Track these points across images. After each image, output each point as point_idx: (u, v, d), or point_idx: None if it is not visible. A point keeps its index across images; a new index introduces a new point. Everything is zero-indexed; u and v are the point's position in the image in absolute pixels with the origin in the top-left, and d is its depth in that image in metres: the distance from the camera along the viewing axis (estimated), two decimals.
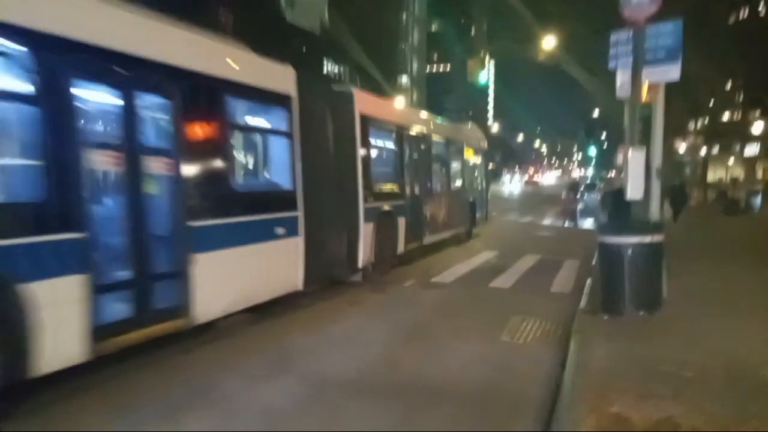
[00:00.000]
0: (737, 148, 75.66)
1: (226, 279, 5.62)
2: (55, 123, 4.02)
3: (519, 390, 4.79)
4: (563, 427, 3.84)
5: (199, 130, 5.40)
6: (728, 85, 60.47)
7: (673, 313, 6.51)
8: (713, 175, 63.02)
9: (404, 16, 70.47)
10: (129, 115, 4.75)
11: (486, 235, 16.95)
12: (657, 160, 7.67)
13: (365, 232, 8.53)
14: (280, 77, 6.77)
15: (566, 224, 21.08)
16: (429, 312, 7.39)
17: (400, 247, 10.03)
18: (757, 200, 25.07)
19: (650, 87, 7.66)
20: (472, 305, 7.80)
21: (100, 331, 4.41)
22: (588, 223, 19.40)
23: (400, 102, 13.69)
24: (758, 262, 11.05)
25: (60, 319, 4.03)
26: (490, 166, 16.27)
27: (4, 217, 3.73)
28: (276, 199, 6.62)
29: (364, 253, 8.52)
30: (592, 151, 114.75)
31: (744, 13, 56.85)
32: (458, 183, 13.89)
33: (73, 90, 4.19)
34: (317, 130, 7.36)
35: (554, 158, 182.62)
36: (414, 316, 7.12)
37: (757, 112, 47.09)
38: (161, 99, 5.08)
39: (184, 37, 5.39)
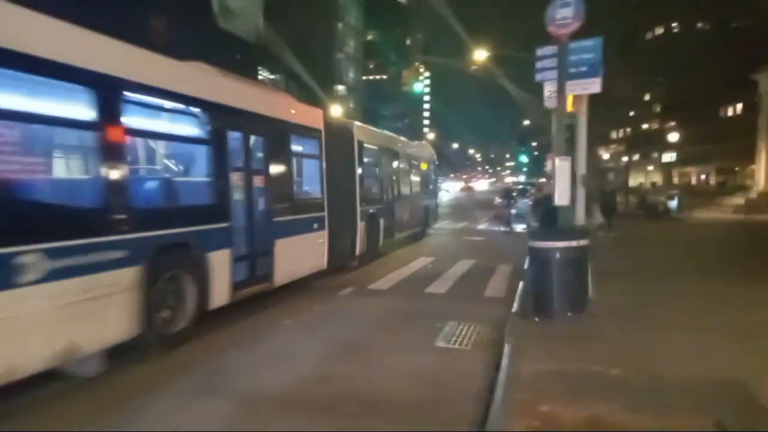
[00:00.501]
0: (656, 155, 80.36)
1: (288, 257, 8.19)
2: (220, 156, 6.69)
3: (454, 395, 4.85)
4: (496, 429, 3.91)
5: (277, 157, 8.12)
6: (647, 97, 63.99)
7: (599, 314, 6.79)
8: (634, 180, 66.48)
9: (340, 26, 70.60)
10: (246, 149, 7.38)
11: (423, 241, 17.15)
12: (582, 168, 8.00)
13: (360, 228, 11.49)
14: (316, 117, 9.57)
15: (501, 229, 21.63)
16: (365, 321, 7.38)
17: (380, 241, 12.93)
18: (673, 203, 26.50)
19: (574, 98, 7.99)
20: (408, 312, 7.86)
21: (234, 286, 6.94)
22: (520, 228, 19.96)
23: (337, 110, 15.89)
24: (676, 264, 11.71)
25: (220, 276, 6.60)
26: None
27: (199, 213, 6.39)
28: (314, 203, 9.37)
29: (360, 245, 11.43)
30: (524, 158, 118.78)
31: (660, 30, 60.46)
32: (417, 191, 17.03)
33: (224, 135, 6.76)
34: (332, 153, 9.91)
35: (487, 165, 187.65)
36: (350, 326, 7.08)
37: (672, 123, 49.95)
38: (261, 138, 7.75)
39: (269, 95, 8.43)
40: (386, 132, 15.09)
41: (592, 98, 8.22)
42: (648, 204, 27.65)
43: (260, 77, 50.03)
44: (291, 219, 8.36)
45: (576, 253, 6.53)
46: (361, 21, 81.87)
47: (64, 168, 5.50)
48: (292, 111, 8.67)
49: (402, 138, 16.59)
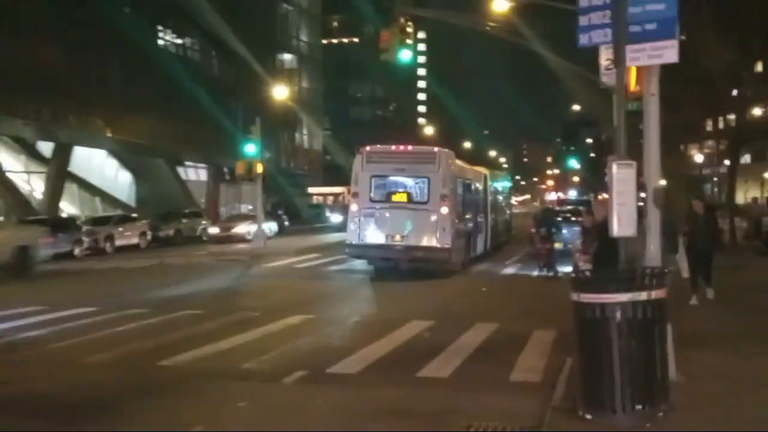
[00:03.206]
0: None
1: (491, 238, 31.50)
2: (481, 199, 29.73)
3: None
4: None
5: (490, 199, 31.63)
6: (759, 67, 64.87)
7: (686, 406, 6.82)
8: (743, 194, 67.26)
9: None
10: (494, 194, 33.37)
11: (415, 295, 17.18)
12: (654, 177, 8.06)
13: (489, 233, 30.01)
14: (484, 173, 31.83)
15: (537, 274, 21.69)
16: (321, 428, 7.30)
17: (493, 243, 30.93)
18: None
19: (640, 72, 8.12)
20: (391, 410, 7.79)
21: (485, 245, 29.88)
22: (567, 271, 20.06)
23: (281, 92, 16.91)
24: None
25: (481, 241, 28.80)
26: None
27: (477, 219, 28.25)
28: (481, 217, 29.23)
29: (489, 243, 30.10)
30: (574, 163, 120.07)
31: None
32: (505, 209, 37.56)
33: (490, 190, 32.21)
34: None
35: (517, 176, 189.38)
36: None
37: None
38: (485, 191, 30.68)
39: (476, 170, 30.60)
40: (496, 171, 39.45)
41: (673, 72, 8.34)
42: (766, 232, 28.00)
43: (161, 43, 50.34)
44: (485, 221, 29.15)
45: (648, 311, 6.55)
46: None
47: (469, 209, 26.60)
48: (486, 175, 31.57)
49: (498, 171, 41.82)
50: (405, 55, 23.75)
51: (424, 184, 22.13)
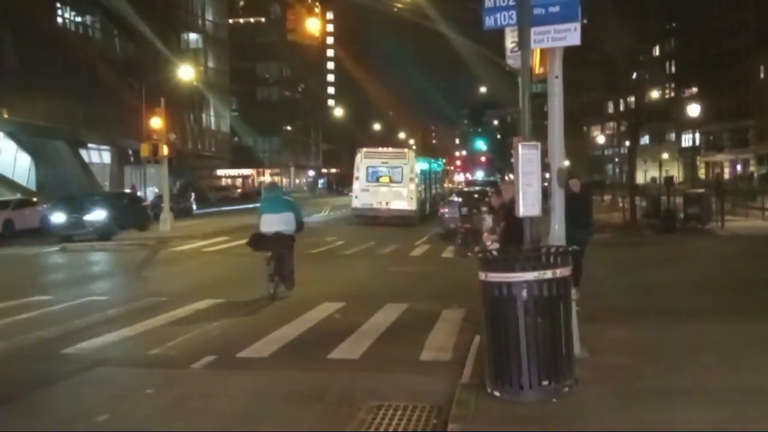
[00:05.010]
0: (672, 136, 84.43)
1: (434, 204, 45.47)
2: (431, 178, 47.19)
3: None
4: None
5: (430, 176, 47.26)
6: (656, 51, 66.83)
7: (589, 380, 7.02)
8: (644, 174, 69.59)
9: None
10: (433, 175, 49.24)
11: (326, 277, 17.17)
12: (558, 158, 8.22)
13: (430, 201, 43.78)
14: (430, 160, 52.05)
15: (458, 253, 21.96)
16: (230, 416, 7.25)
17: (432, 207, 41.58)
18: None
19: (544, 54, 8.24)
20: (301, 394, 7.79)
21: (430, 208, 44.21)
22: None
23: (187, 73, 15.75)
24: (701, 296, 12.28)
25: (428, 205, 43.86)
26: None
27: (427, 192, 45.13)
28: (430, 191, 46.59)
29: (431, 207, 41.70)
30: (481, 144, 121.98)
31: None
32: (440, 184, 55.40)
33: (432, 172, 49.01)
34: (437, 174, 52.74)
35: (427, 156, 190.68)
36: (203, 427, 6.87)
37: (693, 89, 52.19)
38: (429, 173, 46.74)
39: (426, 158, 50.92)
40: (439, 159, 58.90)
41: (576, 55, 8.47)
42: (664, 210, 28.98)
43: (60, 20, 48.69)
44: (430, 193, 44.37)
45: (553, 289, 6.69)
46: None
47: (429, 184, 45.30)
48: (435, 162, 52.80)
49: (440, 159, 60.63)
50: (312, 35, 23.55)
51: (400, 171, 35.89)
